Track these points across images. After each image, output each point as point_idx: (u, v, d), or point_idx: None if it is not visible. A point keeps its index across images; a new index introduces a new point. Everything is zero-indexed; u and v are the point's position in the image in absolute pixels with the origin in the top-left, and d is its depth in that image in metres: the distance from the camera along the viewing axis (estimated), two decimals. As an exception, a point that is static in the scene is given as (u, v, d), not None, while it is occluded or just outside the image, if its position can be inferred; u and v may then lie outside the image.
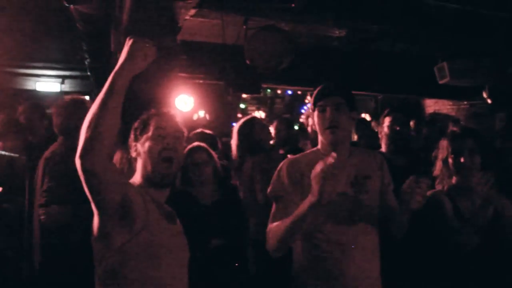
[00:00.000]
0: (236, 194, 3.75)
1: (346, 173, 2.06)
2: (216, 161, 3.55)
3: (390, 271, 2.43)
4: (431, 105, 9.88)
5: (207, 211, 3.32)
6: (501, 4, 3.97)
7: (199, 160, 3.40)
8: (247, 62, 5.02)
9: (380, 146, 3.91)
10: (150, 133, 2.01)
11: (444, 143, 2.78)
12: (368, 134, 5.46)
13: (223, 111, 9.31)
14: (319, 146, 2.43)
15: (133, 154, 2.07)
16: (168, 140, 2.01)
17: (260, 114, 10.06)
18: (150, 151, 1.98)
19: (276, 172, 2.39)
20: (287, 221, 2.11)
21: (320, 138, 2.39)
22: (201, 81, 7.19)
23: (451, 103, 9.34)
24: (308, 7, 3.85)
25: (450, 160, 2.72)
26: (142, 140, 2.02)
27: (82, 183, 1.75)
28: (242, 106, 10.12)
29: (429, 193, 2.71)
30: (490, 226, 2.55)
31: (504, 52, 5.77)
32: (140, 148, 2.02)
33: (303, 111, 11.03)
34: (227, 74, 6.29)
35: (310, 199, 1.97)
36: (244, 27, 4.80)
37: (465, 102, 9.00)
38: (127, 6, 2.74)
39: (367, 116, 10.19)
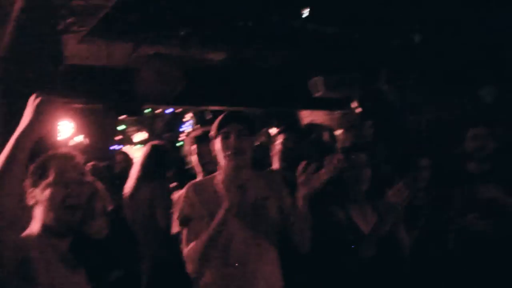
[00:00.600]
0: (127, 225, 3.64)
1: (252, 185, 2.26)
2: (105, 194, 3.40)
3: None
4: (307, 116, 10.43)
5: (101, 246, 3.16)
6: (367, 30, 4.42)
7: (92, 191, 3.22)
8: (138, 91, 4.90)
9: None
10: (51, 179, 1.85)
11: (337, 157, 2.94)
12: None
13: (102, 135, 8.97)
14: (218, 172, 2.48)
15: (31, 202, 1.88)
16: (72, 186, 1.87)
17: (142, 136, 9.80)
18: (52, 199, 1.83)
19: (182, 197, 2.40)
20: (204, 237, 2.22)
21: (222, 163, 2.42)
22: (80, 105, 6.85)
23: (324, 113, 9.94)
24: (193, 36, 3.94)
25: (343, 172, 2.86)
26: (42, 186, 1.86)
27: None
28: (121, 127, 9.80)
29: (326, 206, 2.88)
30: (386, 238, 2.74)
31: (369, 68, 6.34)
32: (39, 195, 1.86)
33: (183, 129, 11.01)
34: (107, 97, 6.09)
35: (224, 206, 2.17)
36: (135, 53, 4.68)
37: (337, 112, 9.64)
38: (7, 35, 2.52)
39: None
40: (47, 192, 1.82)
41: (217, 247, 2.26)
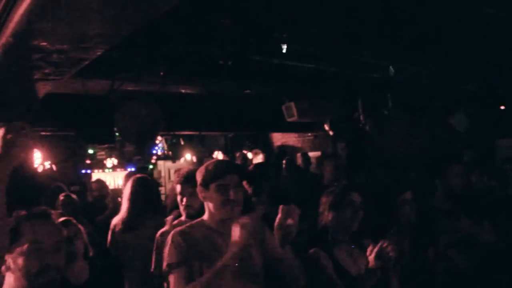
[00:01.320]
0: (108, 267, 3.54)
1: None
2: (84, 235, 3.29)
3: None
4: (279, 138, 10.50)
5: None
6: (336, 62, 4.56)
7: (70, 234, 3.11)
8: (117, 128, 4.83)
9: None
10: (24, 248, 1.71)
11: (327, 199, 2.94)
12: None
13: (71, 160, 8.81)
14: (205, 218, 2.47)
15: (2, 269, 1.76)
16: (47, 256, 1.74)
17: (113, 161, 9.62)
18: (26, 271, 1.71)
19: (169, 244, 2.35)
20: (204, 280, 2.18)
21: (212, 210, 2.41)
22: (48, 133, 6.68)
23: (296, 135, 10.03)
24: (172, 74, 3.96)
25: (330, 214, 2.88)
26: (14, 253, 1.73)
27: None
28: (90, 151, 9.60)
29: (311, 251, 2.86)
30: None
31: (340, 95, 6.48)
32: (11, 263, 1.73)
33: (154, 152, 10.89)
34: (79, 126, 5.97)
35: (235, 244, 2.17)
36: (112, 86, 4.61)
37: (309, 134, 9.74)
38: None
39: (219, 154, 10.44)
40: (20, 261, 1.71)
41: None
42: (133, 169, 10.54)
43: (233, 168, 2.42)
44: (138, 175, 4.23)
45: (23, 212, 1.83)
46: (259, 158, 10.43)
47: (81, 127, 6.33)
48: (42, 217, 1.84)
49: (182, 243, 2.32)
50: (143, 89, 4.88)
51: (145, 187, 4.05)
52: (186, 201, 3.19)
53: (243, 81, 4.98)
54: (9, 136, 1.58)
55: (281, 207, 2.30)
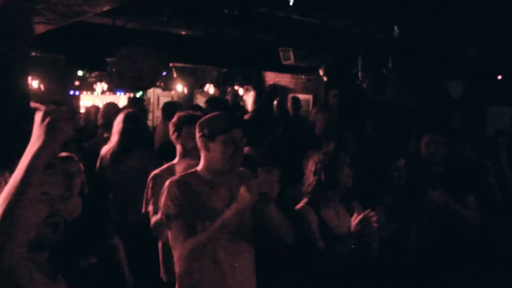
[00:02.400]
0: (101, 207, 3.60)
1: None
2: (82, 170, 3.31)
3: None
4: (272, 77, 10.41)
5: (72, 229, 3.12)
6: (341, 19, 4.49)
7: (71, 171, 3.11)
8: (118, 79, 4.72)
9: None
10: (30, 195, 1.66)
11: (318, 156, 2.99)
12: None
13: (60, 81, 8.65)
14: (199, 168, 2.50)
15: None
16: (55, 203, 1.79)
17: (103, 86, 9.49)
18: (34, 216, 1.72)
19: (165, 192, 2.41)
20: (207, 233, 2.27)
21: (212, 162, 2.44)
22: (38, 54, 6.52)
23: (290, 76, 9.96)
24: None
25: (322, 174, 2.91)
26: None
27: None
28: (80, 73, 9.42)
29: (298, 206, 2.94)
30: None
31: (341, 51, 6.41)
32: None
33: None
34: (71, 51, 5.83)
35: (239, 202, 2.24)
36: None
37: (303, 76, 9.68)
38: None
39: (211, 87, 10.36)
40: (31, 207, 1.67)
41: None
42: (122, 94, 10.49)
43: (239, 122, 2.50)
44: (130, 111, 4.22)
45: None
46: (250, 95, 10.40)
47: (72, 52, 6.21)
48: (49, 168, 1.86)
49: (178, 195, 2.37)
50: (144, 28, 4.73)
51: (136, 124, 4.07)
52: (182, 143, 3.23)
53: (247, 31, 4.87)
54: (47, 120, 1.51)
55: (259, 169, 2.32)
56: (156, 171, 3.28)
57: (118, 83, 5.23)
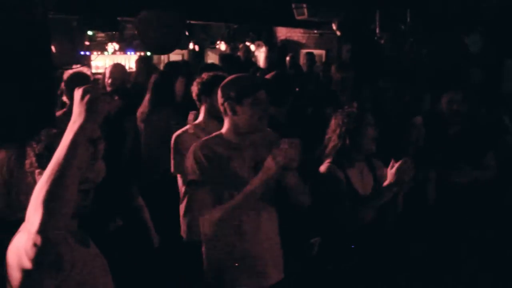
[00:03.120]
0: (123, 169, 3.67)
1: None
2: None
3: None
4: (284, 32, 10.25)
5: (98, 193, 3.19)
6: None
7: (94, 136, 3.14)
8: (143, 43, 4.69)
9: None
10: None
11: (342, 117, 2.97)
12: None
13: (71, 42, 8.58)
14: (224, 131, 2.51)
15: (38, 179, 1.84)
16: (85, 172, 1.79)
17: (114, 46, 9.41)
18: None
19: (191, 156, 2.43)
20: (234, 202, 2.31)
21: (239, 124, 2.45)
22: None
23: (302, 31, 9.79)
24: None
25: (347, 134, 2.90)
26: None
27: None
28: (90, 33, 9.32)
29: (323, 167, 2.95)
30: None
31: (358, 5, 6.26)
32: None
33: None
34: (82, 11, 5.76)
35: (266, 172, 2.26)
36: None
37: (315, 31, 9.51)
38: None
39: (222, 44, 10.24)
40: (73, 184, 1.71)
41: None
42: (132, 53, 10.41)
43: (265, 83, 2.51)
44: (161, 70, 4.36)
45: (53, 130, 1.87)
46: (262, 51, 10.27)
47: (85, 13, 6.14)
48: None
49: (204, 160, 2.39)
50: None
51: (165, 83, 4.24)
52: (213, 103, 3.19)
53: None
54: (87, 98, 1.53)
55: (282, 141, 2.32)
56: (179, 132, 3.32)
57: (142, 45, 5.15)
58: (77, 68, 5.37)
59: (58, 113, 4.41)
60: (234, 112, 2.44)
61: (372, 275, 2.86)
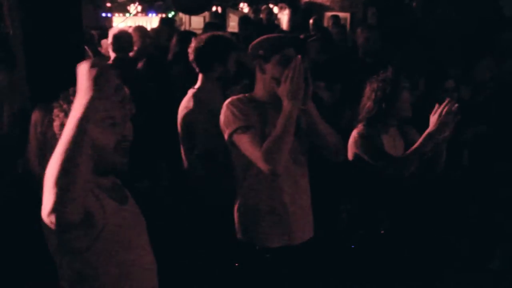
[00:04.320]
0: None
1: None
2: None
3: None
4: (307, -5, 10.03)
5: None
6: None
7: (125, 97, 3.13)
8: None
9: None
10: (98, 124, 1.68)
11: (377, 83, 2.92)
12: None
13: (91, 2, 8.52)
14: (256, 92, 2.47)
15: None
16: (122, 128, 1.79)
17: (137, 7, 9.31)
18: (103, 143, 1.76)
19: (228, 111, 2.38)
20: (275, 135, 2.23)
21: (269, 83, 2.39)
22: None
23: (325, -8, 9.57)
24: None
25: (384, 99, 2.86)
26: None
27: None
28: (111, -6, 9.24)
29: (358, 130, 2.91)
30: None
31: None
32: None
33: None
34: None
35: (286, 107, 2.21)
36: None
37: (340, -7, 9.29)
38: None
39: (245, 6, 10.07)
40: (95, 134, 1.67)
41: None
42: (154, 15, 10.31)
43: (294, 41, 2.43)
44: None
45: None
46: (285, 14, 10.08)
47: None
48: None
49: (244, 108, 2.37)
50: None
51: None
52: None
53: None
54: (94, 72, 1.45)
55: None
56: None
57: (176, 8, 5.06)
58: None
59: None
60: (263, 71, 2.40)
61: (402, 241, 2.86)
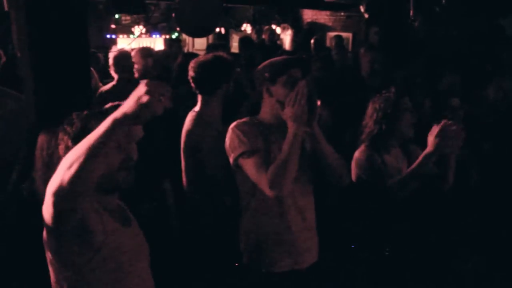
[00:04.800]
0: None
1: None
2: None
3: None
4: (310, 15, 10.12)
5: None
6: None
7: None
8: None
9: None
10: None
11: (379, 102, 2.91)
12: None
13: (96, 24, 8.63)
14: (261, 114, 2.46)
15: None
16: (125, 149, 1.83)
17: (141, 29, 9.43)
18: (110, 164, 1.77)
19: (234, 135, 2.37)
20: (280, 159, 2.22)
21: (274, 105, 2.38)
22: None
23: (328, 13, 9.65)
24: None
25: (384, 120, 2.85)
26: None
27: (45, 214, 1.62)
28: (116, 16, 9.37)
29: (360, 150, 2.91)
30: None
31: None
32: None
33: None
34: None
35: (291, 131, 2.21)
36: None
37: (342, 13, 9.37)
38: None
39: (248, 27, 10.17)
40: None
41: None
42: (158, 36, 10.43)
43: (297, 61, 2.43)
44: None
45: (85, 112, 1.87)
46: (287, 34, 10.17)
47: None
48: (104, 114, 1.89)
49: (250, 132, 2.35)
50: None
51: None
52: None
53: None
54: (147, 99, 1.45)
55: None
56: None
57: (182, 30, 5.14)
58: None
59: (105, 87, 4.66)
60: (270, 94, 2.40)
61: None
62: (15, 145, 2.79)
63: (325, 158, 2.38)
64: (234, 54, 7.62)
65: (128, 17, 9.57)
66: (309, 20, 10.19)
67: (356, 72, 5.16)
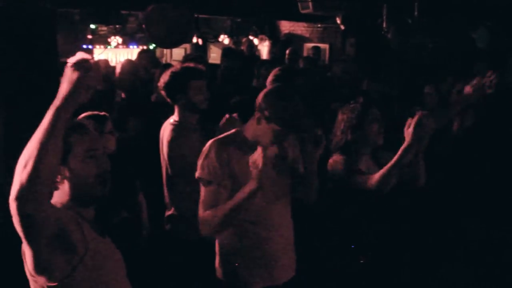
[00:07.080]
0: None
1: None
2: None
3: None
4: (287, 26, 10.21)
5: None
6: None
7: (105, 129, 3.09)
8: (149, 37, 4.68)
9: None
10: (79, 156, 1.80)
11: (346, 114, 2.95)
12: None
13: (73, 35, 8.56)
14: (247, 129, 2.42)
15: (58, 179, 1.83)
16: (101, 161, 1.86)
17: (117, 40, 9.37)
18: (83, 175, 1.82)
19: (204, 155, 2.35)
20: (226, 208, 2.19)
21: (255, 126, 2.36)
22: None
23: (305, 25, 9.75)
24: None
25: (349, 130, 2.89)
26: (70, 162, 1.80)
27: (15, 223, 1.60)
28: (92, 26, 9.29)
29: (333, 159, 2.93)
30: None
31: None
32: (67, 171, 1.81)
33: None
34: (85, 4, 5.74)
35: (251, 186, 2.10)
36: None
37: (319, 25, 9.47)
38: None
39: (225, 38, 10.19)
40: (77, 168, 1.80)
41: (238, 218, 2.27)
42: (135, 47, 10.36)
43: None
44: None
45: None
46: (265, 45, 10.23)
47: (86, 6, 6.12)
48: (83, 127, 1.90)
49: (215, 158, 2.30)
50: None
51: None
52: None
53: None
54: (76, 75, 1.54)
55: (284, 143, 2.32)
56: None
57: (154, 42, 5.14)
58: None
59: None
60: (258, 122, 2.34)
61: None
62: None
63: (310, 177, 2.44)
64: (212, 65, 7.66)
65: (104, 28, 9.50)
66: (286, 31, 10.27)
67: (330, 83, 5.24)
